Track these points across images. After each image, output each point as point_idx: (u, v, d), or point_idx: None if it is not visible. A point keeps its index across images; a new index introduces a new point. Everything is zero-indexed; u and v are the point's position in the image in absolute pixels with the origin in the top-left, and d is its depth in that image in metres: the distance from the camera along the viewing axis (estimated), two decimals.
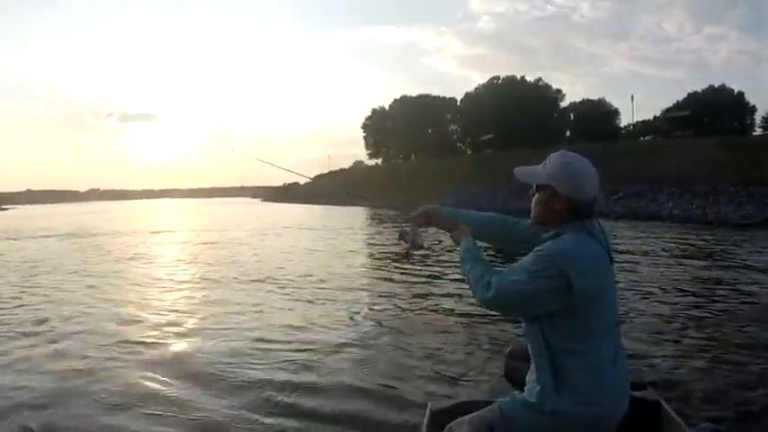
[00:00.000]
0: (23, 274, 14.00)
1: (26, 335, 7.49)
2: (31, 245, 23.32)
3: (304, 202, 76.42)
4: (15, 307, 9.59)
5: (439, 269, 12.97)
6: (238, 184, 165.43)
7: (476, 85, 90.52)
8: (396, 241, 15.04)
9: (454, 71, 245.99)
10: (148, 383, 5.48)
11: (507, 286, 2.21)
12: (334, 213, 47.20)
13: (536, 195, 2.40)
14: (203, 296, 10.44)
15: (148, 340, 7.09)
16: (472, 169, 61.41)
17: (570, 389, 2.18)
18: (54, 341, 7.12)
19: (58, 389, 5.35)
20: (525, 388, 2.34)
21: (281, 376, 5.57)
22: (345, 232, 26.86)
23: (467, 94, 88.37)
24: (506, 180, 50.64)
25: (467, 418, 2.40)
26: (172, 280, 12.74)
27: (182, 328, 7.74)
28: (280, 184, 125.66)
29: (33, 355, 6.51)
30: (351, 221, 36.00)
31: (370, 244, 20.56)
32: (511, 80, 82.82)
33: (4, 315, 8.95)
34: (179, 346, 6.90)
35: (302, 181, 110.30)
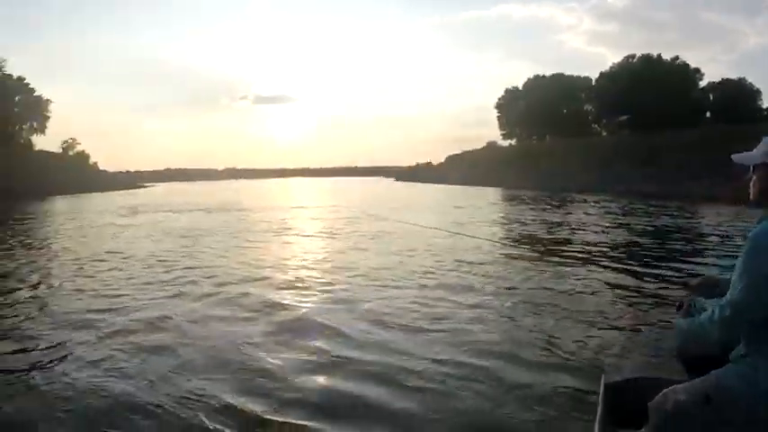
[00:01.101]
0: (183, 241, 16.19)
1: (183, 293, 8.89)
2: (184, 217, 25.94)
3: (436, 182, 77.90)
4: (183, 269, 11.30)
5: (599, 241, 13.98)
6: (371, 164, 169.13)
7: (608, 62, 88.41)
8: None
9: (585, 48, 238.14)
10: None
11: (740, 295, 2.31)
12: (470, 193, 47.85)
13: (753, 178, 2.55)
14: (355, 263, 11.58)
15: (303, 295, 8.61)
16: (607, 151, 60.32)
17: None
18: (220, 295, 8.59)
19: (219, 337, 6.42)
20: (739, 362, 2.43)
21: (438, 343, 6.00)
22: (486, 210, 28.00)
23: (601, 74, 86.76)
24: (642, 162, 50.32)
25: (680, 386, 2.47)
26: (322, 249, 14.40)
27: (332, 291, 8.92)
28: (413, 164, 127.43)
29: (204, 309, 7.76)
30: (488, 200, 36.77)
31: (513, 220, 21.61)
32: (647, 58, 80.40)
33: (173, 273, 10.81)
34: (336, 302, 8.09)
35: (435, 162, 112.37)
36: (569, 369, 5.15)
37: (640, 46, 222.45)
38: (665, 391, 2.46)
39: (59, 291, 9.40)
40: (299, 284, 9.51)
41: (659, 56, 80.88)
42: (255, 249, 14.46)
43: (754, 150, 2.54)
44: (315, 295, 8.66)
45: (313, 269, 11.12)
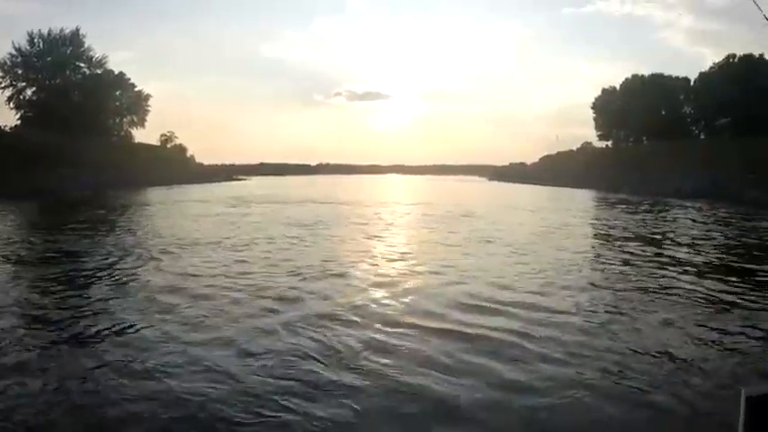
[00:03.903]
0: (286, 228, 19.01)
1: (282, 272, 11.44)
2: (292, 210, 28.63)
3: (530, 183, 77.02)
4: (284, 249, 14.72)
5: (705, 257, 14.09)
6: (465, 162, 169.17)
7: (709, 63, 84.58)
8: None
9: (685, 48, 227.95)
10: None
11: None
12: (566, 195, 47.94)
13: None
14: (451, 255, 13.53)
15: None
16: (706, 155, 57.24)
17: None
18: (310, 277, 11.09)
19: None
20: None
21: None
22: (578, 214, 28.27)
23: (701, 74, 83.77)
24: (744, 168, 48.16)
25: None
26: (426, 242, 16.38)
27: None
28: (506, 163, 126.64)
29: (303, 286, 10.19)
30: (589, 204, 36.64)
31: (604, 225, 22.10)
32: (748, 59, 76.25)
33: (287, 255, 13.68)
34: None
35: (529, 161, 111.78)
36: (703, 382, 5.19)
37: (746, 46, 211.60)
38: None
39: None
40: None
41: (761, 56, 77.49)
42: (361, 241, 16.93)
43: None
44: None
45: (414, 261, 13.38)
